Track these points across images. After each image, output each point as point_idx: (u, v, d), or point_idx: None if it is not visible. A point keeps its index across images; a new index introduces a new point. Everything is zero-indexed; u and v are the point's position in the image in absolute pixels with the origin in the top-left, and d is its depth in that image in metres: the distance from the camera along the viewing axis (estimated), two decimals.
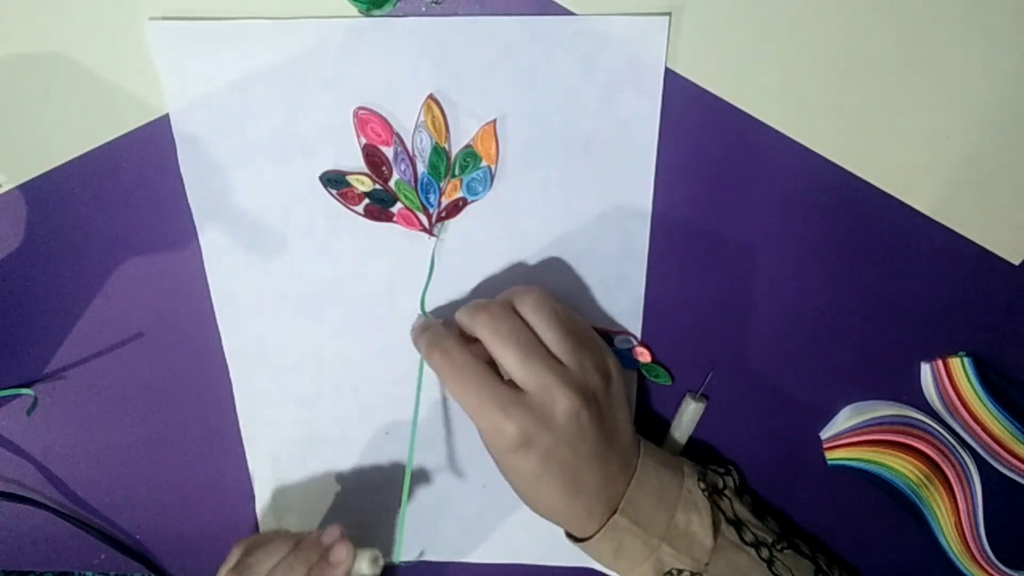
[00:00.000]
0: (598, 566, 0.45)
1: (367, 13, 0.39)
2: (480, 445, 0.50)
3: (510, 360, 0.38)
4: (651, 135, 0.41)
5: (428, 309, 0.46)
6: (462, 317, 0.41)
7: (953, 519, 0.48)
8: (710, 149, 0.42)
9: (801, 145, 0.41)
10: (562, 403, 0.38)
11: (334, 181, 0.43)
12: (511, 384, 0.39)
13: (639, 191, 0.43)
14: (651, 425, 0.50)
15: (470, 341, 0.41)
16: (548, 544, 0.53)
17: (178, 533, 0.55)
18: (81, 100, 0.42)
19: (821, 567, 0.46)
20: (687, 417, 0.47)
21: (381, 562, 0.45)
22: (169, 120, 0.42)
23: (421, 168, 0.42)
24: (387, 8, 0.39)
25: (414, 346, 0.43)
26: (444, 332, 0.41)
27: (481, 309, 0.40)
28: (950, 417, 0.46)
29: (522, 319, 0.40)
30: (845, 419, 0.48)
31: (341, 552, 0.44)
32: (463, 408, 0.39)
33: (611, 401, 0.41)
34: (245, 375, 0.49)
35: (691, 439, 0.49)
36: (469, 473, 0.51)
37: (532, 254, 0.45)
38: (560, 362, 0.39)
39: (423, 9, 0.39)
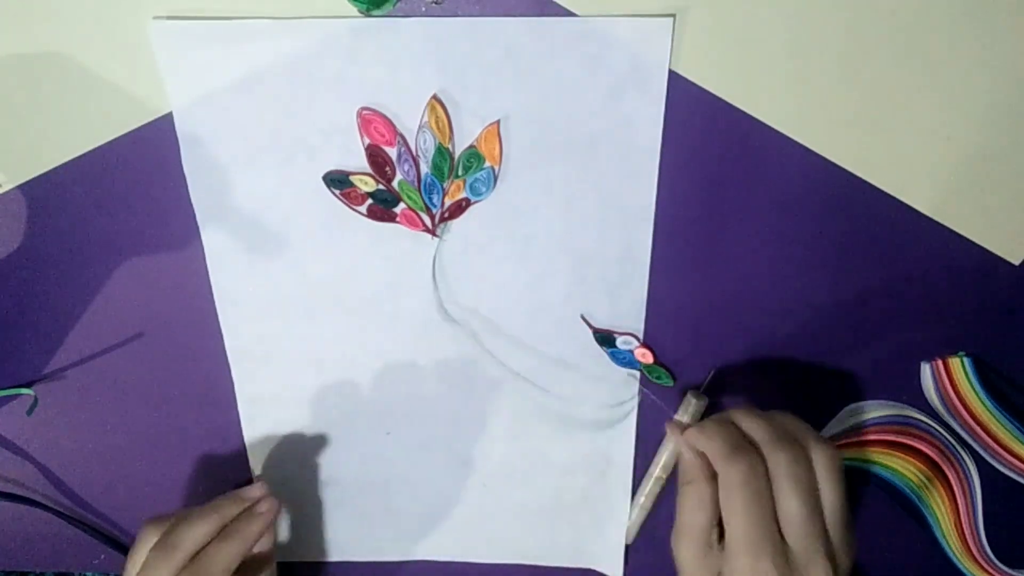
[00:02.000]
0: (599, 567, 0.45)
1: (367, 13, 0.39)
2: (480, 445, 0.50)
3: (794, 509, 0.36)
4: (654, 136, 0.41)
5: (425, 309, 0.46)
6: (760, 438, 0.38)
7: (953, 519, 0.48)
8: (713, 150, 0.42)
9: (803, 146, 0.42)
10: (817, 570, 0.36)
11: (337, 181, 0.43)
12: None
13: (642, 192, 0.43)
14: (651, 426, 0.50)
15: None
16: (548, 544, 0.53)
17: None
18: (82, 100, 0.42)
19: None
20: (689, 415, 0.47)
21: None
22: (171, 120, 0.42)
23: (424, 168, 0.42)
24: (387, 8, 0.39)
25: (691, 439, 0.40)
26: (743, 442, 0.38)
27: (781, 445, 0.37)
28: (950, 417, 0.47)
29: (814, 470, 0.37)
30: (845, 419, 0.48)
31: (266, 503, 0.45)
32: (730, 524, 0.37)
33: None
34: (247, 375, 0.49)
35: None
36: (469, 473, 0.51)
37: (535, 255, 0.45)
38: (827, 532, 0.37)
39: (423, 9, 0.39)
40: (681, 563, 0.39)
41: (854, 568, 0.51)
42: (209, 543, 0.43)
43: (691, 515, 0.39)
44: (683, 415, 0.48)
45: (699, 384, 0.48)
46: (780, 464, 0.37)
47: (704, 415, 0.48)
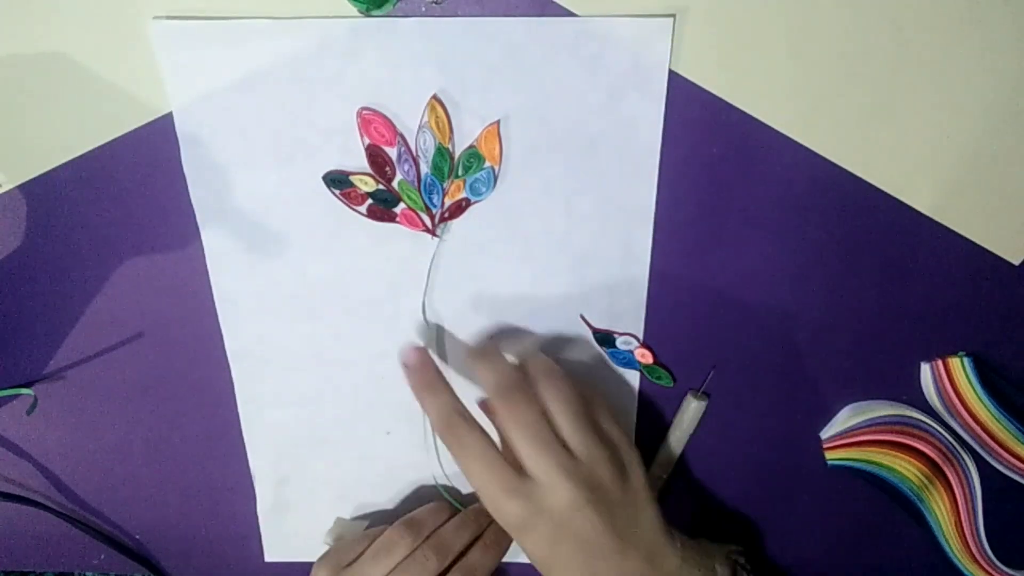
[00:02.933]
0: None
1: (367, 13, 0.39)
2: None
3: (520, 446, 0.39)
4: (654, 137, 0.41)
5: (425, 308, 0.46)
6: (482, 379, 0.42)
7: (953, 519, 0.48)
8: (713, 151, 0.42)
9: (803, 146, 0.42)
10: (564, 494, 0.38)
11: (337, 181, 0.43)
12: (517, 465, 0.39)
13: (642, 192, 0.43)
14: (652, 427, 0.50)
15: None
16: None
17: (178, 533, 0.55)
18: (82, 99, 0.42)
19: None
20: (688, 416, 0.48)
21: None
22: (171, 120, 0.42)
23: (424, 169, 0.42)
24: (387, 8, 0.39)
25: (417, 400, 0.43)
26: (452, 404, 0.41)
27: (504, 393, 0.40)
28: (950, 417, 0.47)
29: (540, 400, 0.40)
30: (845, 419, 0.48)
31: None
32: (473, 486, 0.40)
33: (628, 498, 0.40)
34: (247, 375, 0.49)
35: (691, 441, 0.49)
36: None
37: (535, 255, 0.45)
38: (571, 453, 0.39)
39: (423, 9, 0.39)
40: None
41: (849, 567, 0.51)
42: (470, 549, 0.46)
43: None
44: (683, 416, 0.48)
45: (698, 386, 0.48)
46: (501, 414, 0.40)
47: (703, 416, 0.48)
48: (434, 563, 0.44)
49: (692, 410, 0.47)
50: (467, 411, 0.41)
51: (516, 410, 0.39)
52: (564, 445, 0.39)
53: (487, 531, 0.47)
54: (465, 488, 0.52)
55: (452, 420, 0.41)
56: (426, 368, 0.44)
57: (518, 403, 0.39)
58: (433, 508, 0.49)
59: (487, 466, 0.39)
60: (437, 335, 0.47)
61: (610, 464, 0.40)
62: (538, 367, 0.42)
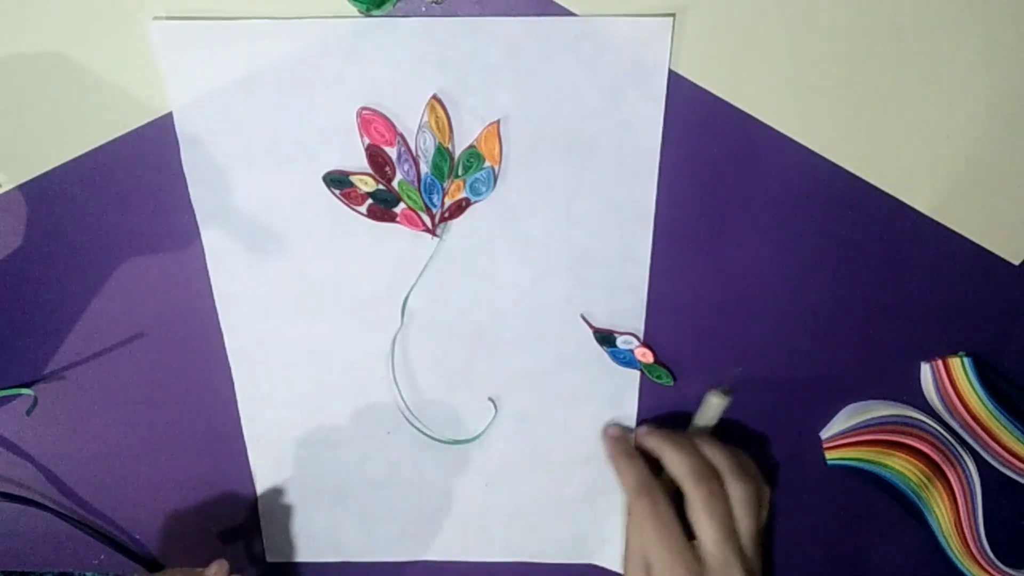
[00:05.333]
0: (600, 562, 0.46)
1: (367, 13, 0.39)
2: (481, 445, 0.50)
3: (709, 532, 0.43)
4: (654, 137, 0.41)
5: (424, 308, 0.46)
6: (681, 477, 0.44)
7: (953, 519, 0.48)
8: (713, 150, 0.42)
9: (803, 146, 0.42)
10: None
11: (337, 181, 0.43)
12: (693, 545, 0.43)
13: (642, 192, 0.43)
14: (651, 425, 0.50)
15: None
16: (550, 541, 0.53)
17: (178, 533, 0.55)
18: (82, 100, 0.42)
19: None
20: (710, 413, 0.47)
21: None
22: (171, 120, 0.42)
23: (424, 168, 0.42)
24: (387, 8, 0.39)
25: (611, 461, 0.48)
26: (647, 474, 0.46)
27: (700, 480, 0.43)
28: (950, 417, 0.47)
29: (729, 499, 0.44)
30: (845, 419, 0.48)
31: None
32: (648, 552, 0.44)
33: None
34: (247, 375, 0.49)
35: None
36: (471, 472, 0.51)
37: (535, 254, 0.45)
38: (743, 551, 0.43)
39: (423, 9, 0.39)
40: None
41: (849, 567, 0.52)
42: None
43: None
44: (704, 413, 0.47)
45: (707, 384, 0.48)
46: (695, 499, 0.43)
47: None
48: None
49: (713, 407, 0.47)
50: (657, 483, 0.45)
51: (711, 498, 0.43)
52: (740, 543, 0.43)
53: None
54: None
55: (649, 487, 0.45)
56: (622, 439, 0.49)
57: (714, 492, 0.43)
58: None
59: (673, 538, 0.43)
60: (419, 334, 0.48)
61: (760, 561, 0.44)
62: (731, 464, 0.45)
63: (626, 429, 0.50)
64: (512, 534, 0.53)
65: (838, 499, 0.51)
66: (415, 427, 0.50)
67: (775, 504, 0.52)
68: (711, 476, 0.44)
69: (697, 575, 0.42)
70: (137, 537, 0.55)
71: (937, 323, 0.46)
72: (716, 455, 0.45)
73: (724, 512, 0.43)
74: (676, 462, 0.44)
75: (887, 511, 0.51)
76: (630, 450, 0.48)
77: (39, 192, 0.44)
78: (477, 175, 0.42)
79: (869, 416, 0.48)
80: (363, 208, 0.43)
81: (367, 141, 0.42)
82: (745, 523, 0.43)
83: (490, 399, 0.49)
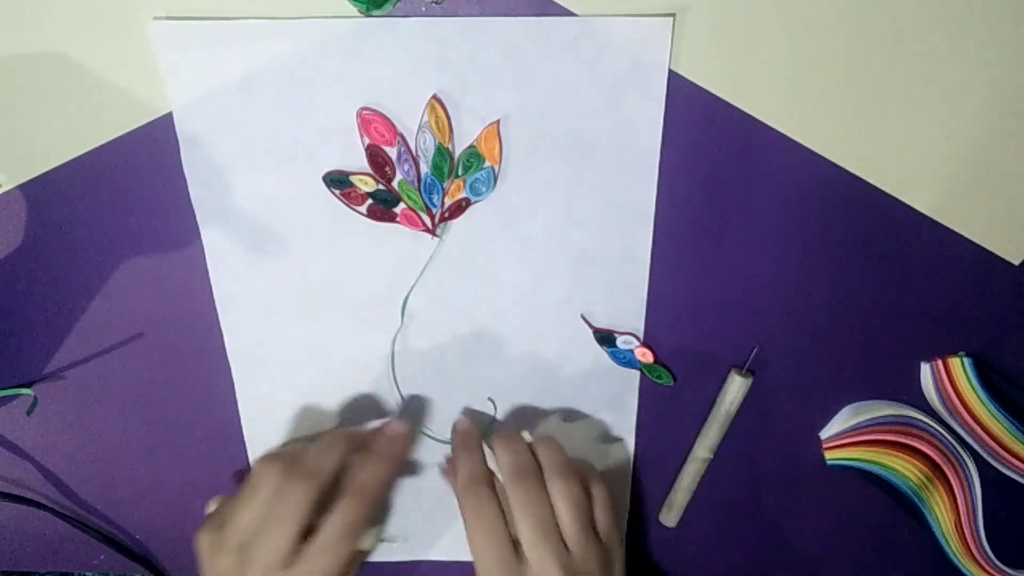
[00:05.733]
0: None
1: (367, 13, 0.39)
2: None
3: (524, 530, 0.41)
4: (654, 137, 0.41)
5: (424, 308, 0.46)
6: (502, 472, 0.44)
7: (953, 519, 0.48)
8: (713, 150, 0.42)
9: (803, 146, 0.42)
10: None
11: (337, 181, 0.43)
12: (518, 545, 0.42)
13: (642, 192, 0.43)
14: (653, 426, 0.50)
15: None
16: None
17: (178, 533, 0.55)
18: (82, 100, 0.42)
19: None
20: (731, 394, 0.47)
21: (379, 540, 0.45)
22: (171, 120, 0.42)
23: (424, 168, 0.42)
24: (387, 8, 0.39)
25: (452, 462, 0.46)
26: (483, 474, 0.44)
27: (520, 479, 0.42)
28: (950, 417, 0.47)
29: (549, 492, 0.43)
30: (845, 419, 0.48)
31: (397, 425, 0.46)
32: (471, 548, 0.42)
33: None
34: (247, 375, 0.49)
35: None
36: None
37: (535, 254, 0.45)
38: (567, 547, 0.41)
39: (423, 9, 0.39)
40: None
41: (849, 567, 0.52)
42: (350, 466, 0.42)
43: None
44: (725, 395, 0.47)
45: (742, 364, 0.48)
46: (514, 499, 0.42)
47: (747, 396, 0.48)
48: (303, 492, 0.40)
49: (736, 386, 0.47)
50: (492, 481, 0.44)
51: (528, 498, 0.42)
52: (562, 537, 0.41)
53: (375, 442, 0.45)
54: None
55: (476, 484, 0.43)
56: (469, 435, 0.47)
57: (530, 491, 0.42)
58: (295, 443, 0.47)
59: (492, 538, 0.41)
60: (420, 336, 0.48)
61: (598, 564, 0.42)
62: (553, 462, 0.44)
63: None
64: None
65: (838, 499, 0.51)
66: (415, 427, 0.50)
67: (774, 504, 0.52)
68: (531, 475, 0.43)
69: (514, 573, 0.41)
70: (137, 537, 0.55)
71: (937, 323, 0.46)
72: (543, 453, 0.44)
73: (542, 512, 0.41)
74: (501, 461, 0.44)
75: (887, 511, 0.51)
76: (471, 445, 0.46)
77: (39, 192, 0.44)
78: (477, 175, 0.42)
79: (869, 416, 0.48)
80: (363, 208, 0.43)
81: (367, 141, 0.42)
82: (567, 521, 0.42)
83: (490, 399, 0.49)
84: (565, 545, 0.41)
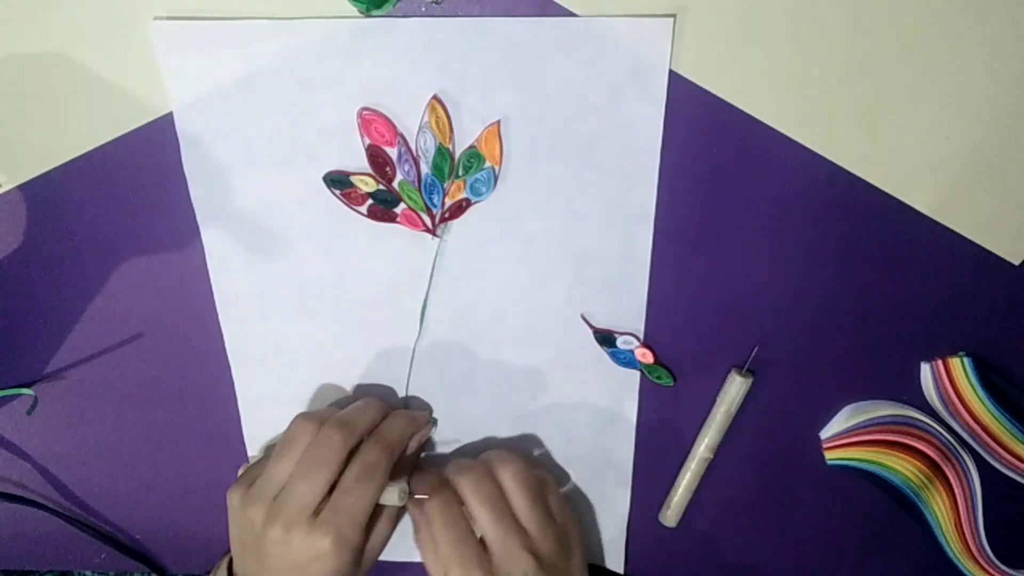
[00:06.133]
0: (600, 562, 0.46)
1: (367, 13, 0.39)
2: (482, 444, 0.51)
3: (482, 518, 0.42)
4: (655, 137, 0.41)
5: (429, 311, 0.46)
6: (451, 473, 0.44)
7: (953, 519, 0.48)
8: (713, 151, 0.42)
9: (803, 146, 0.42)
10: (519, 564, 0.41)
11: (337, 182, 0.43)
12: (483, 543, 0.42)
13: (642, 192, 0.43)
14: (652, 426, 0.50)
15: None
16: None
17: (178, 533, 0.55)
18: (82, 100, 0.42)
19: None
20: (731, 394, 0.47)
21: (406, 496, 0.45)
22: (171, 120, 0.42)
23: (425, 169, 0.42)
24: (387, 8, 0.39)
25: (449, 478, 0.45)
26: (443, 481, 0.45)
27: (466, 470, 0.44)
28: (950, 417, 0.47)
29: (500, 484, 0.43)
30: (845, 419, 0.48)
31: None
32: (439, 553, 0.42)
33: (571, 570, 0.44)
34: (247, 375, 0.49)
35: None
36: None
37: (535, 255, 0.45)
38: (525, 529, 0.42)
39: (423, 9, 0.39)
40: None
41: (849, 567, 0.52)
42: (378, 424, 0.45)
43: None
44: (726, 395, 0.47)
45: (742, 364, 0.48)
46: (463, 488, 0.43)
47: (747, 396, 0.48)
48: (338, 440, 0.41)
49: (736, 386, 0.47)
50: (448, 488, 0.44)
51: (478, 485, 0.43)
52: (518, 521, 0.42)
53: (399, 409, 0.47)
54: None
55: (445, 496, 0.43)
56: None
57: (480, 479, 0.43)
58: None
59: (459, 538, 0.42)
60: (430, 337, 0.48)
61: (556, 541, 0.43)
62: (498, 453, 0.45)
63: (616, 430, 0.50)
64: None
65: (838, 499, 0.51)
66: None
67: (774, 504, 0.52)
68: (478, 466, 0.44)
69: (480, 563, 0.41)
70: (137, 537, 0.55)
71: (937, 323, 0.46)
72: (485, 454, 0.46)
73: (493, 493, 0.42)
74: (452, 468, 0.45)
75: (887, 511, 0.51)
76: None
77: (39, 192, 0.44)
78: (477, 175, 0.42)
79: (869, 416, 0.48)
80: (363, 208, 0.43)
81: (367, 141, 0.42)
82: (520, 500, 0.43)
83: (490, 400, 0.49)
84: (522, 527, 0.42)
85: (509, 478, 0.43)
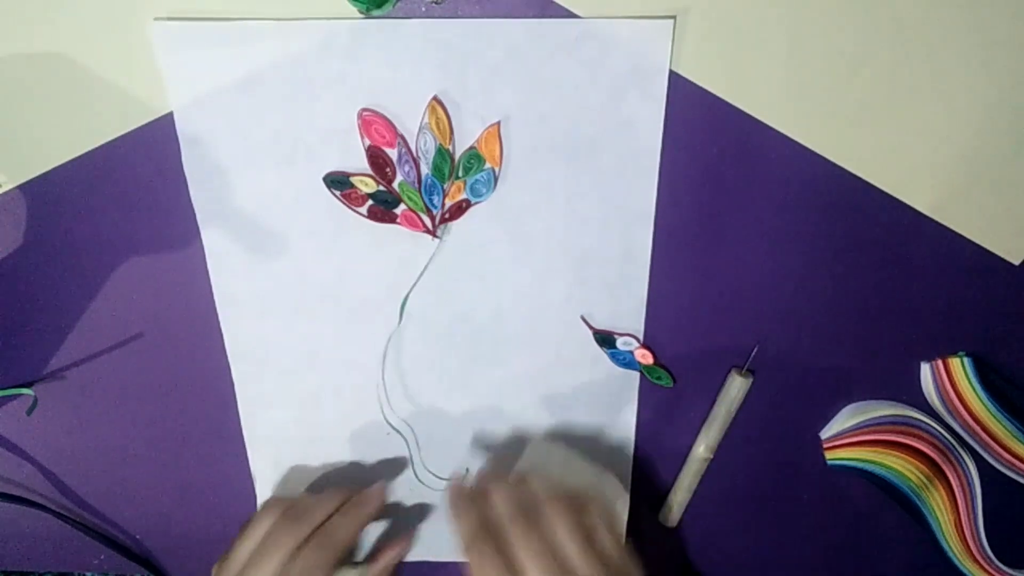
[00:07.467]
0: None
1: (367, 14, 0.39)
2: (481, 445, 0.51)
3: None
4: (655, 137, 0.41)
5: (424, 309, 0.46)
6: (499, 509, 0.42)
7: (953, 519, 0.48)
8: (713, 151, 0.42)
9: (803, 147, 0.42)
10: None
11: (338, 182, 0.43)
12: None
13: (642, 193, 0.43)
14: (652, 427, 0.50)
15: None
16: None
17: (178, 533, 0.55)
18: (83, 100, 0.42)
19: None
20: (731, 394, 0.47)
21: None
22: (171, 120, 0.42)
23: (425, 170, 0.42)
24: (387, 8, 0.39)
25: (451, 509, 0.44)
26: (481, 528, 0.41)
27: (517, 521, 0.40)
28: (950, 417, 0.47)
29: (547, 527, 0.40)
30: (845, 419, 0.48)
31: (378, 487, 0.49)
32: None
33: None
34: (247, 375, 0.49)
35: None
36: (472, 472, 0.51)
37: (535, 255, 0.45)
38: None
39: (423, 10, 0.39)
40: None
41: (849, 567, 0.52)
42: (332, 516, 0.46)
43: None
44: (726, 394, 0.48)
45: (742, 364, 0.48)
46: (517, 547, 0.40)
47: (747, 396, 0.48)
48: (288, 535, 0.44)
49: (736, 386, 0.47)
50: (490, 531, 0.41)
51: (529, 538, 0.40)
52: (572, 570, 0.39)
53: (348, 502, 0.48)
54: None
55: (477, 541, 0.41)
56: (461, 491, 0.44)
57: (530, 531, 0.40)
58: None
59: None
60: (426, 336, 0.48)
61: None
62: (547, 495, 0.42)
63: (619, 434, 0.50)
64: None
65: (838, 499, 0.51)
66: (415, 427, 0.50)
67: (774, 504, 0.52)
68: (528, 515, 0.41)
69: None
70: (137, 537, 0.55)
71: (937, 323, 0.46)
72: (536, 487, 0.43)
73: (545, 551, 0.39)
74: (497, 505, 0.42)
75: (887, 511, 0.51)
76: (465, 501, 0.44)
77: (39, 192, 0.44)
78: (477, 176, 0.42)
79: (869, 416, 0.48)
80: (363, 209, 0.43)
81: (368, 142, 0.42)
82: (573, 554, 0.40)
83: (490, 400, 0.49)
84: None
85: (561, 527, 0.40)
